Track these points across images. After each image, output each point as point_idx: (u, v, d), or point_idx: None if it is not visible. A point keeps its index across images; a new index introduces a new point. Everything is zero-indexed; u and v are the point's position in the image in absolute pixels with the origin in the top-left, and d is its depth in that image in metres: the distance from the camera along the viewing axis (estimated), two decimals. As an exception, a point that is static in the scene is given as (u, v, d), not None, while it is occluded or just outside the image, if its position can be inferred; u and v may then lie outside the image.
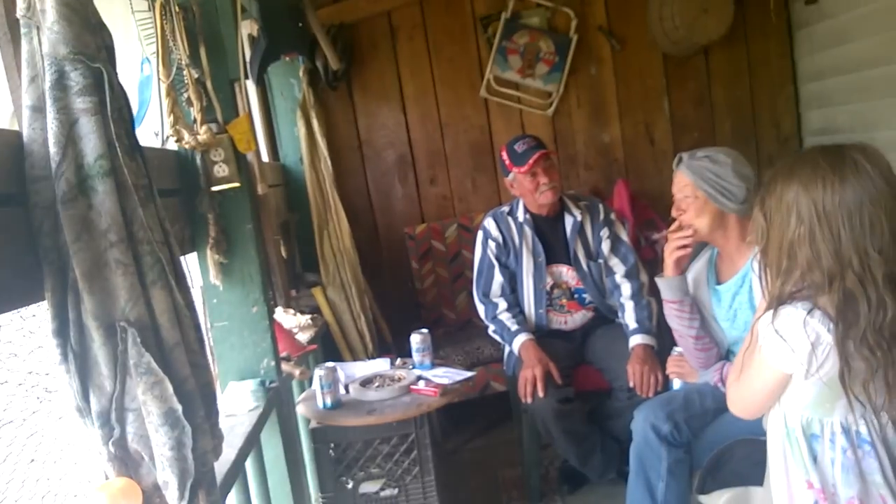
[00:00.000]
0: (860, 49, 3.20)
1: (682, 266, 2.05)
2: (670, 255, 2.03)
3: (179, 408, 1.20)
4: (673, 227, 2.06)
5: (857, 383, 1.27)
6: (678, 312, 2.04)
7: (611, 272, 2.76)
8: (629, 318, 2.66)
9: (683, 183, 2.01)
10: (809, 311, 1.27)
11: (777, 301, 1.31)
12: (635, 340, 2.58)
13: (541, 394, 2.49)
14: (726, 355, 2.10)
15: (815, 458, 1.35)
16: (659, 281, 2.06)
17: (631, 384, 2.46)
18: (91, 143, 1.17)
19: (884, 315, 1.23)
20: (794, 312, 1.28)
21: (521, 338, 2.67)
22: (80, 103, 1.17)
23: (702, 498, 1.95)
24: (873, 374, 1.25)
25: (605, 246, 2.76)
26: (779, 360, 1.31)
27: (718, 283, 2.07)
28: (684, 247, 2.01)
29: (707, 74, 3.80)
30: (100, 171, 1.18)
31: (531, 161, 2.64)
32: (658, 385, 2.42)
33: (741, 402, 1.45)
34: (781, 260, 1.31)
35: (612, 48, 3.73)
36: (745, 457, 1.78)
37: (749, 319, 1.98)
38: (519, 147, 2.70)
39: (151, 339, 1.20)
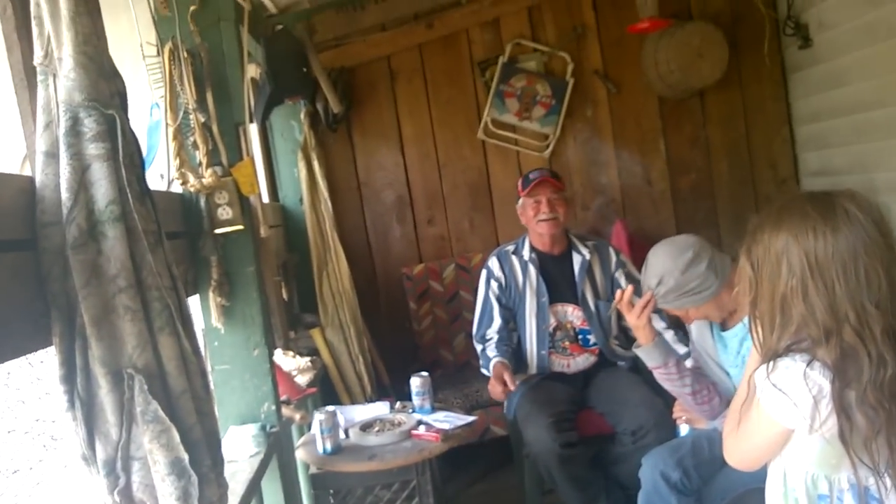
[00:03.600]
0: (856, 92, 3.25)
1: (653, 332, 2.04)
2: (638, 326, 2.03)
3: (186, 457, 1.18)
4: (642, 301, 2.03)
5: (859, 442, 1.19)
6: (665, 375, 2.04)
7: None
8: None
9: (671, 311, 2.05)
10: (809, 364, 1.20)
11: (773, 354, 1.25)
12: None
13: (511, 387, 2.52)
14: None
15: None
16: (637, 351, 2.07)
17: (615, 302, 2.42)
18: (102, 189, 1.17)
19: (884, 372, 1.16)
20: (792, 365, 1.22)
21: (494, 360, 2.68)
22: (93, 149, 1.17)
23: (712, 547, 1.92)
24: (875, 433, 1.18)
25: (619, 284, 2.75)
26: (780, 414, 1.24)
27: (723, 329, 2.07)
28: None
29: (703, 116, 3.84)
30: (110, 217, 1.17)
31: (533, 184, 2.67)
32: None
33: (739, 454, 1.37)
34: (774, 314, 1.25)
35: (608, 91, 3.78)
36: (755, 505, 1.75)
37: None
38: (532, 175, 2.76)
39: (158, 386, 1.18)
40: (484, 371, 2.80)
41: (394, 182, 3.78)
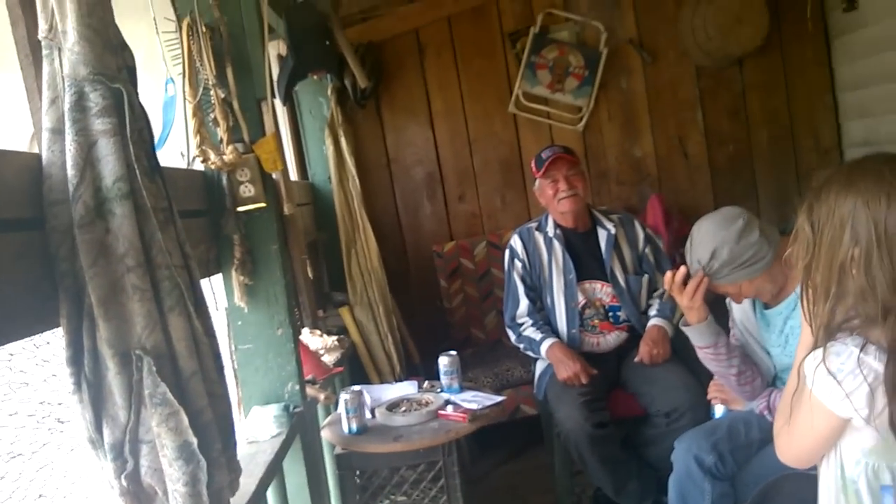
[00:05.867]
0: (903, 58, 3.09)
1: (706, 311, 1.95)
2: (692, 307, 1.93)
3: (195, 441, 1.15)
4: (695, 281, 1.92)
5: None
6: (714, 356, 1.95)
7: (654, 288, 2.71)
8: (651, 310, 2.69)
9: (722, 290, 1.94)
10: (863, 348, 1.12)
11: (825, 333, 1.17)
12: (651, 323, 2.64)
13: (584, 381, 2.50)
14: (773, 381, 2.00)
15: None
16: (686, 330, 1.97)
17: (637, 359, 2.56)
18: (109, 166, 1.14)
19: None
20: (845, 350, 1.14)
21: (548, 342, 2.63)
22: (100, 125, 1.14)
23: (747, 534, 1.85)
24: None
25: (650, 263, 2.71)
26: (833, 404, 1.16)
27: (767, 307, 1.97)
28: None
29: (742, 85, 3.70)
30: (118, 194, 1.14)
31: (547, 164, 2.60)
32: (660, 359, 2.55)
33: (792, 451, 1.29)
34: (830, 283, 1.16)
35: (643, 61, 3.66)
36: (793, 492, 1.67)
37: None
38: (545, 153, 2.69)
39: (168, 368, 1.15)
40: (528, 353, 2.75)
41: (424, 159, 3.73)
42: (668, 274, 1.97)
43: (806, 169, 3.70)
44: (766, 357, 1.99)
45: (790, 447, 1.29)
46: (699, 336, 1.95)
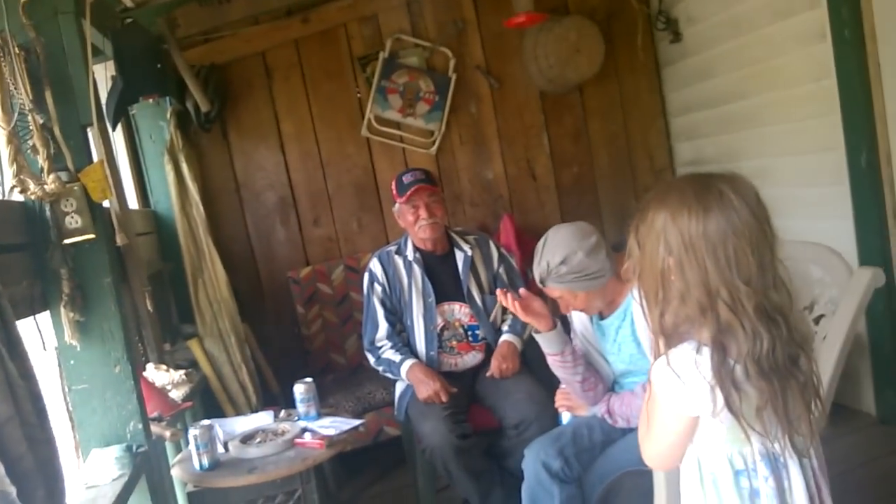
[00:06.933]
0: (722, 84, 3.40)
1: (553, 321, 2.05)
2: (541, 315, 2.04)
3: (13, 490, 1.06)
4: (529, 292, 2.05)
5: (751, 413, 1.23)
6: (561, 363, 2.05)
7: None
8: (504, 325, 2.78)
9: (558, 294, 2.03)
10: (697, 350, 1.23)
11: (662, 337, 1.27)
12: (502, 338, 2.72)
13: (444, 399, 2.53)
14: (612, 387, 2.12)
15: (742, 496, 1.29)
16: (537, 337, 2.07)
17: (488, 374, 2.64)
18: None
19: (760, 346, 1.20)
20: (682, 354, 1.25)
21: (407, 363, 2.65)
22: None
23: (594, 533, 1.94)
24: (765, 403, 1.22)
25: (504, 281, 2.78)
26: (681, 404, 1.26)
27: (602, 318, 2.10)
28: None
29: (583, 110, 3.93)
30: None
31: (410, 192, 2.64)
32: (510, 372, 2.63)
33: (657, 456, 1.37)
34: (657, 289, 1.28)
35: (491, 86, 3.80)
36: (633, 488, 1.78)
37: (633, 352, 2.02)
38: (406, 178, 2.70)
39: (-25, 416, 1.06)
40: (388, 375, 2.75)
41: (275, 183, 3.66)
42: (499, 293, 2.09)
43: (643, 187, 3.96)
44: (605, 364, 2.10)
45: (653, 452, 1.36)
46: (548, 343, 2.04)
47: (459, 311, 2.76)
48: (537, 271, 2.02)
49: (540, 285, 2.04)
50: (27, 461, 1.13)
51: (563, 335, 2.06)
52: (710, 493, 1.32)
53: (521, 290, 2.10)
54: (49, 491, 1.17)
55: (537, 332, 2.06)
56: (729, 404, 1.21)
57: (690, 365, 1.23)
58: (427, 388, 2.56)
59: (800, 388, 1.24)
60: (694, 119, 3.76)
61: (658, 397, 1.28)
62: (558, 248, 1.98)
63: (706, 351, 1.23)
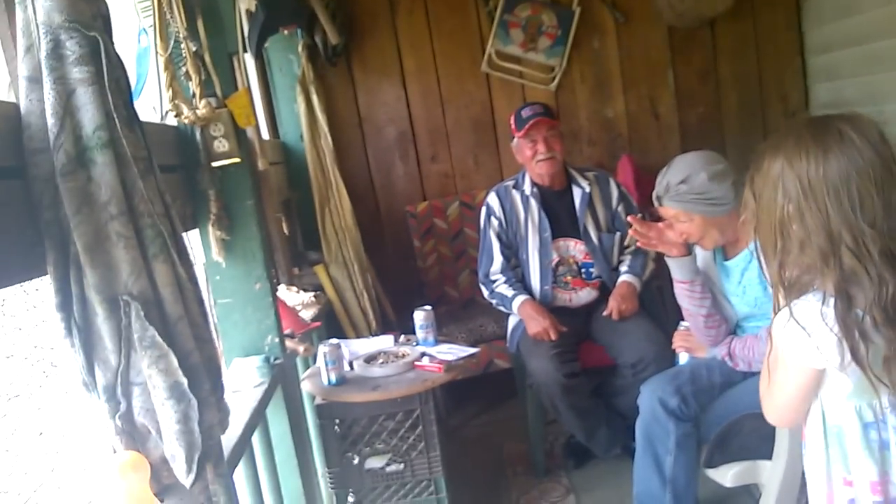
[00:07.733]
0: (869, 21, 3.15)
1: (687, 248, 2.02)
2: (673, 241, 2.01)
3: (185, 381, 1.18)
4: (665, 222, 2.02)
5: (878, 363, 1.19)
6: (689, 292, 2.02)
7: (626, 245, 2.79)
8: (623, 266, 2.76)
9: (673, 214, 1.98)
10: (823, 301, 1.20)
11: (783, 290, 1.24)
12: (620, 278, 2.71)
13: (553, 337, 2.56)
14: (734, 330, 2.08)
15: (871, 449, 1.26)
16: (669, 261, 2.05)
17: (605, 312, 2.64)
18: (89, 114, 1.15)
19: (886, 292, 1.15)
20: (807, 306, 1.21)
21: (519, 299, 2.69)
22: (77, 73, 1.14)
23: (710, 472, 1.95)
24: (894, 353, 1.17)
25: (622, 220, 2.75)
26: (805, 358, 1.23)
27: (726, 258, 2.05)
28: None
29: (713, 47, 3.74)
30: (98, 143, 1.15)
31: (528, 126, 2.63)
32: (628, 313, 2.63)
33: (778, 411, 1.36)
34: (775, 240, 1.24)
35: (616, 21, 3.68)
36: (753, 430, 1.76)
37: (759, 295, 1.97)
38: (525, 112, 2.70)
39: (155, 312, 1.18)
40: (501, 308, 2.81)
41: (396, 118, 3.72)
42: (631, 218, 2.08)
43: (773, 131, 3.74)
44: (728, 306, 2.06)
45: (776, 408, 1.35)
46: (680, 269, 2.02)
47: (574, 248, 2.76)
48: (656, 191, 1.99)
49: (656, 203, 2.00)
50: (195, 357, 1.25)
51: (695, 264, 2.04)
52: (833, 445, 1.30)
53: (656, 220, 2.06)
54: (213, 385, 1.30)
55: (670, 257, 2.03)
56: (855, 355, 1.17)
57: (816, 316, 1.19)
58: (537, 324, 2.59)
59: None
60: (835, 58, 3.50)
61: (781, 351, 1.25)
62: (681, 169, 1.95)
63: (832, 301, 1.19)
